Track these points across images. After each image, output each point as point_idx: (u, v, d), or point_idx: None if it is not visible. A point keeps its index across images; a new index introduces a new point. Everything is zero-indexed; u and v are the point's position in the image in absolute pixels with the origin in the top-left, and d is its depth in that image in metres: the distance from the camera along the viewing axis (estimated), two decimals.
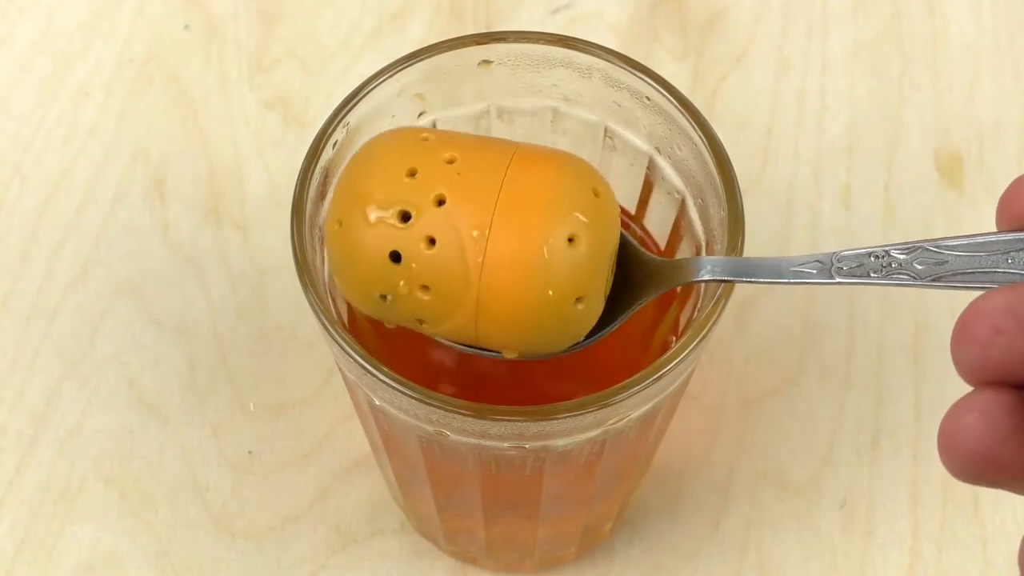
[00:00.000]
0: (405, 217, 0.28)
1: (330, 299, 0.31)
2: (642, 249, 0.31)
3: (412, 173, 0.28)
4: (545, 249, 0.28)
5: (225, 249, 0.45)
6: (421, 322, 0.29)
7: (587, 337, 0.30)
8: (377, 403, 0.30)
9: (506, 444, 0.29)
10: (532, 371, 0.35)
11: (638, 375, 0.28)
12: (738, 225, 0.30)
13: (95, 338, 0.43)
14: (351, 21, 0.50)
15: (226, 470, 0.41)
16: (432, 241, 0.28)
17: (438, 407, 0.28)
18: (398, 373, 0.29)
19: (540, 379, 0.35)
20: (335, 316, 0.30)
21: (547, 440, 0.29)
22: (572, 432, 0.29)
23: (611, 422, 0.29)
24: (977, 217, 0.45)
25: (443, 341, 0.30)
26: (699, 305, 0.32)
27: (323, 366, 0.42)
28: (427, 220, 0.28)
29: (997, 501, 0.40)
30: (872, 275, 0.26)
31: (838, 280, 0.27)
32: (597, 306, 0.29)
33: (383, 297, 0.29)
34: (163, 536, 0.39)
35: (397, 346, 0.34)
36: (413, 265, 0.28)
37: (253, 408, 0.42)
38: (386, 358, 0.29)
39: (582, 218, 0.28)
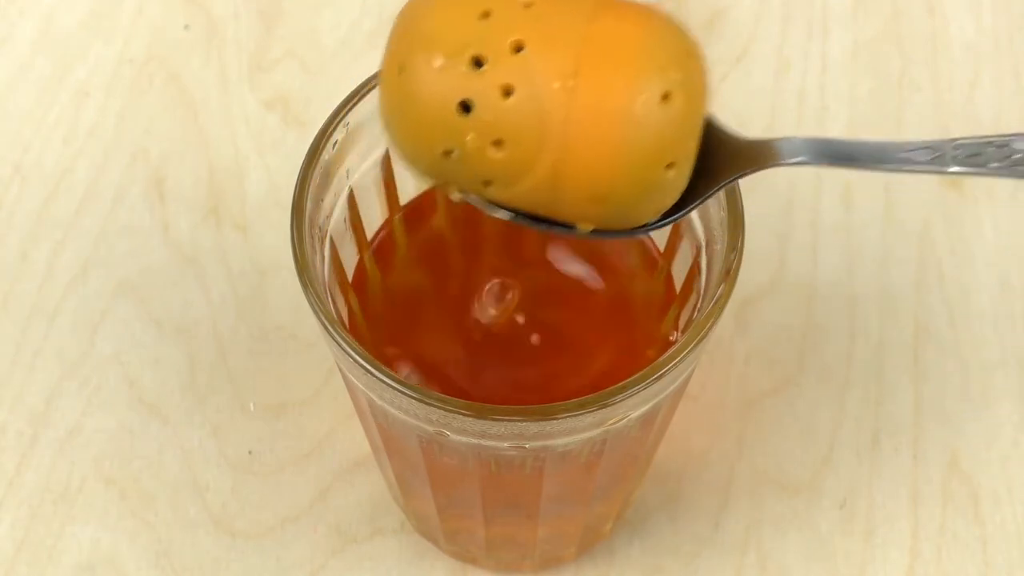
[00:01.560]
0: (478, 63, 0.25)
1: (330, 299, 0.31)
2: (726, 126, 0.29)
3: (486, 15, 0.25)
4: (637, 105, 0.25)
5: (225, 249, 0.45)
6: (488, 184, 0.26)
7: (664, 217, 0.28)
8: (377, 403, 0.30)
9: (506, 444, 0.29)
10: (532, 370, 0.35)
11: (638, 375, 0.28)
12: (738, 225, 0.30)
13: (95, 338, 0.43)
14: (351, 21, 0.50)
15: (226, 470, 0.41)
16: (508, 91, 0.25)
17: (438, 407, 0.28)
18: (398, 371, 0.28)
19: (540, 379, 0.35)
20: (335, 316, 0.30)
21: (547, 440, 0.29)
22: (572, 432, 0.29)
23: (611, 422, 0.29)
24: (978, 217, 0.45)
25: (504, 215, 0.27)
26: (699, 305, 0.32)
27: (323, 366, 0.42)
28: (503, 67, 0.25)
29: (997, 501, 0.40)
30: (992, 165, 0.24)
31: (954, 168, 0.24)
32: (686, 175, 0.27)
33: (447, 153, 0.26)
34: (163, 536, 0.39)
35: (397, 345, 0.34)
36: (486, 116, 0.25)
37: (253, 408, 0.42)
38: (386, 358, 0.29)
39: (678, 74, 0.26)
